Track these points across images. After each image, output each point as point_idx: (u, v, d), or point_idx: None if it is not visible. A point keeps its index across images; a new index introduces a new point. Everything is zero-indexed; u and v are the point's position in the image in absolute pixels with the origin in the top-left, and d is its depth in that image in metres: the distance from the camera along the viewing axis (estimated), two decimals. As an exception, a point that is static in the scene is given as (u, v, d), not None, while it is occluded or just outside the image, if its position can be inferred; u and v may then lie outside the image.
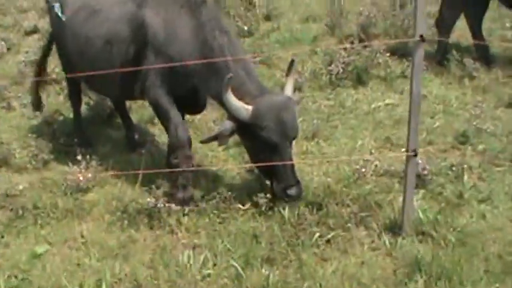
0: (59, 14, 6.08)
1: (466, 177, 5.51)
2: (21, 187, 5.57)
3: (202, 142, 5.25)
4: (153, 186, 5.18)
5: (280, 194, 4.91)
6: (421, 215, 4.72)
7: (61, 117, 7.53)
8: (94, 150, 6.51)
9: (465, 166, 5.63)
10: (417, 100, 4.28)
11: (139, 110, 7.57)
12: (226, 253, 4.50)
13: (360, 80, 8.16)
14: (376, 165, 5.67)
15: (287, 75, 5.18)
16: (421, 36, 4.18)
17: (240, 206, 5.11)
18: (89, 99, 7.54)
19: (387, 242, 4.55)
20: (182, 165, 5.22)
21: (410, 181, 4.46)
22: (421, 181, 5.41)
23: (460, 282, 4.01)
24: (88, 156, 5.74)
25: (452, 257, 4.20)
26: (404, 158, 4.57)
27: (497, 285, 4.01)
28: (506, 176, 5.52)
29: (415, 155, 4.34)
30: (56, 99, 8.18)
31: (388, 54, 8.25)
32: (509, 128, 6.45)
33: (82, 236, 4.87)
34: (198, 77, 5.15)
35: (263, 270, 4.27)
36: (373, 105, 7.64)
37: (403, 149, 4.82)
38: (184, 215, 5.04)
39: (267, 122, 4.75)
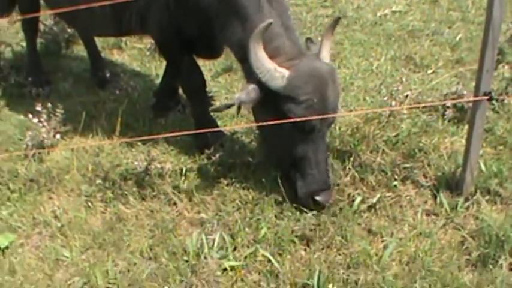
0: None
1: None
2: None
3: (213, 111, 4.06)
4: (139, 142, 4.10)
5: (305, 200, 3.63)
6: (483, 167, 3.80)
7: (8, 49, 6.16)
8: (53, 90, 5.32)
9: (509, 92, 4.70)
10: (497, 27, 3.20)
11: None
12: (246, 231, 3.52)
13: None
14: (406, 96, 4.67)
15: (326, 36, 3.73)
16: None
17: (250, 159, 4.10)
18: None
19: (446, 205, 3.63)
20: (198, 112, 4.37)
21: (477, 130, 3.48)
22: (462, 114, 4.50)
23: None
24: (50, 104, 4.49)
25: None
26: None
27: None
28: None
29: (490, 99, 3.32)
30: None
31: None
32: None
33: (56, 217, 3.75)
34: (214, 17, 3.80)
35: (300, 253, 3.34)
36: (378, 14, 6.63)
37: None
38: (182, 175, 3.98)
39: (308, 95, 3.46)
